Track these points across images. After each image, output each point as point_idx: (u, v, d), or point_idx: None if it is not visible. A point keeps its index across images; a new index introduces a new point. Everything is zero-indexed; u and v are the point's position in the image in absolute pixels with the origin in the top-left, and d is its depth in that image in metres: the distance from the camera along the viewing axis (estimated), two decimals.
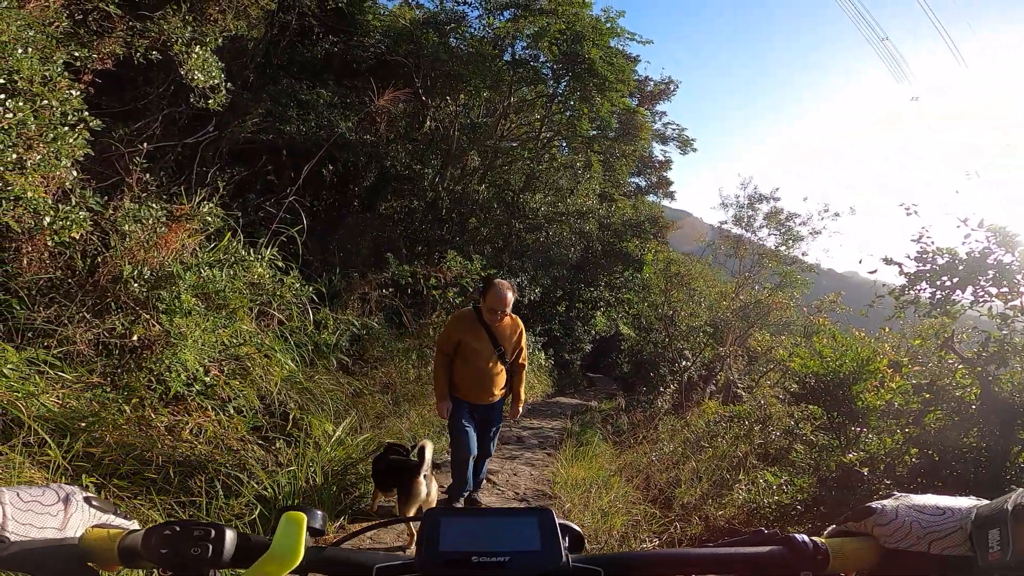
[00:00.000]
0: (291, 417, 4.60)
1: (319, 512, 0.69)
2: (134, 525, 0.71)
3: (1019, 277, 3.74)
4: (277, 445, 4.26)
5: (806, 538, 0.65)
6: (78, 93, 3.66)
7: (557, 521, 0.68)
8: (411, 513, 3.55)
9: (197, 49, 4.65)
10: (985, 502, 0.61)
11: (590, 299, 16.05)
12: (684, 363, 12.56)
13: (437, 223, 10.69)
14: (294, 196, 5.86)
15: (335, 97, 8.36)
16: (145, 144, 4.67)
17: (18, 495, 0.62)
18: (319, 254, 7.97)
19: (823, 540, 0.65)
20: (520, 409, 4.29)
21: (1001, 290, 3.73)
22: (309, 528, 0.66)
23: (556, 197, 13.18)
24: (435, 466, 4.27)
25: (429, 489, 3.63)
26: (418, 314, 8.42)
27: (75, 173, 3.59)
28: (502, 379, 4.03)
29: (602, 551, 4.49)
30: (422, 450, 3.68)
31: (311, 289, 5.68)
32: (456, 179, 11.37)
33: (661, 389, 11.97)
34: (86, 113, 3.68)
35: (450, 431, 4.07)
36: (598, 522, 4.85)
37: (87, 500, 0.68)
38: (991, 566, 0.56)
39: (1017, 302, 3.74)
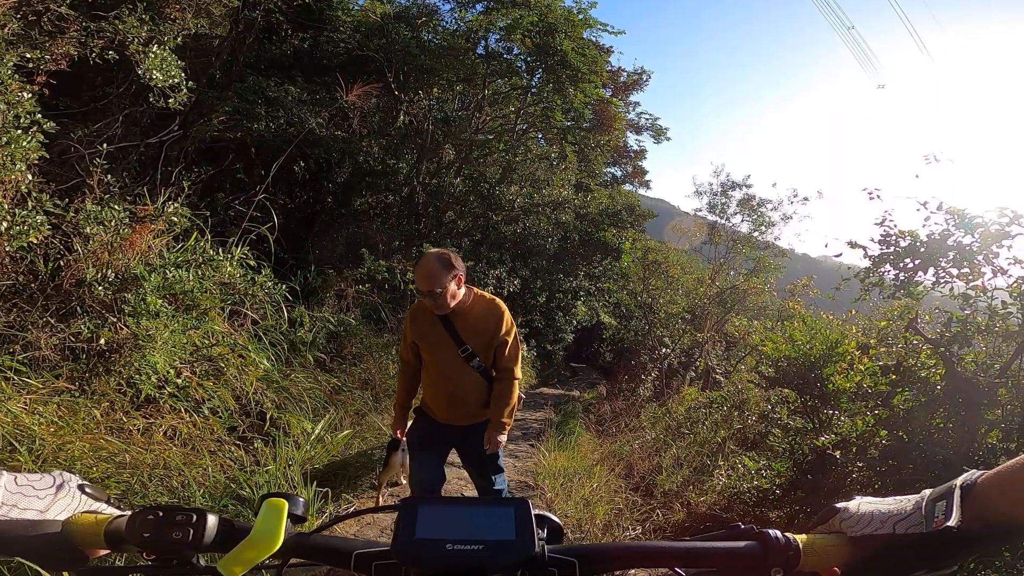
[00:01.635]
0: (268, 416, 4.56)
1: (301, 499, 0.70)
2: (125, 513, 0.72)
3: (979, 258, 3.83)
4: (255, 445, 4.24)
5: (779, 534, 0.66)
6: (30, 95, 3.54)
7: (534, 512, 0.69)
8: (384, 481, 4.20)
9: (155, 48, 4.52)
10: (936, 488, 0.66)
11: (570, 289, 16.12)
12: (664, 350, 12.71)
13: (414, 217, 10.61)
14: (265, 195, 5.75)
15: (305, 93, 8.22)
16: (105, 145, 4.53)
17: (15, 480, 0.65)
18: (294, 252, 7.87)
19: (795, 536, 0.67)
20: (501, 440, 2.82)
21: (962, 271, 3.82)
22: (290, 515, 0.67)
23: (532, 188, 13.17)
24: None
25: (405, 460, 3.85)
26: (397, 309, 8.37)
27: (31, 176, 3.48)
28: (481, 390, 2.85)
29: (584, 540, 4.55)
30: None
31: (284, 287, 5.61)
32: (432, 173, 11.30)
33: (642, 377, 12.09)
34: (39, 115, 3.57)
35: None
36: (581, 511, 4.90)
37: (80, 487, 0.70)
38: (933, 531, 0.60)
39: (978, 282, 3.82)
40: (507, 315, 2.80)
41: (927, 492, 0.66)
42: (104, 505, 0.72)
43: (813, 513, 4.21)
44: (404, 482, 4.60)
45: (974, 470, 0.64)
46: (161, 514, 0.65)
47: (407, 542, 0.64)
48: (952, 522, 0.59)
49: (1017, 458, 0.60)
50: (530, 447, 7.33)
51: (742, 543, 0.67)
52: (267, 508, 0.66)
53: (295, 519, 0.69)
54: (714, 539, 0.69)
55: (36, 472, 0.68)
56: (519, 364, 2.88)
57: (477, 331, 2.74)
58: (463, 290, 2.70)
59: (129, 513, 0.69)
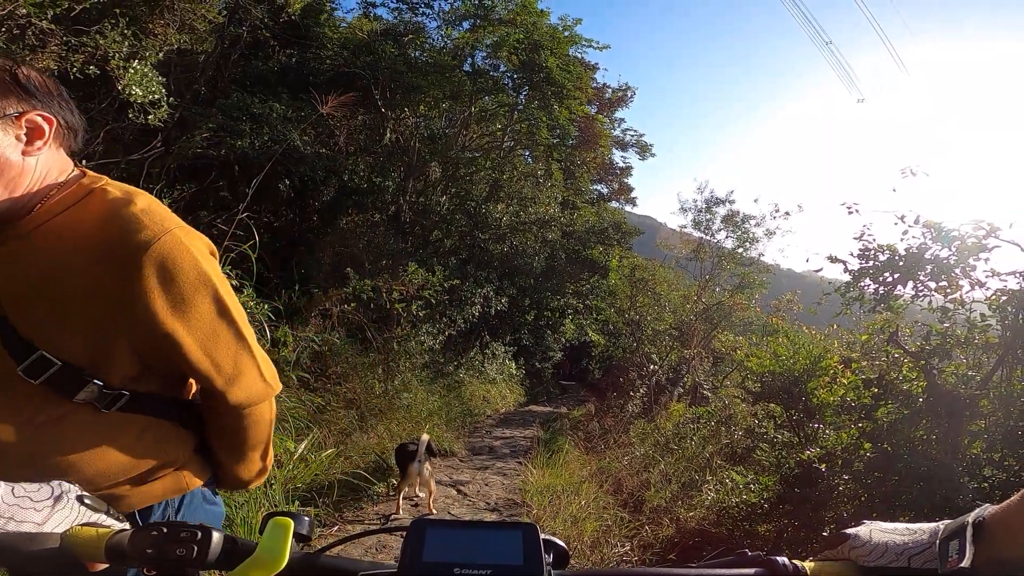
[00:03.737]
0: None
1: (306, 518, 0.70)
2: (125, 526, 0.72)
3: (957, 271, 3.89)
4: None
5: (787, 561, 0.65)
6: None
7: (542, 537, 0.69)
8: (404, 488, 4.70)
9: (135, 64, 4.49)
10: (950, 521, 0.65)
11: (558, 307, 16.14)
12: (652, 367, 12.72)
13: (400, 236, 10.60)
14: (248, 213, 5.70)
15: (290, 110, 8.23)
16: (84, 162, 4.48)
17: (12, 491, 0.65)
18: (279, 271, 7.80)
19: (803, 563, 0.66)
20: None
21: (940, 284, 3.87)
22: (296, 534, 0.67)
23: (519, 206, 13.24)
24: (432, 453, 4.82)
25: (421, 471, 4.57)
26: (383, 329, 8.31)
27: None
28: (78, 442, 0.99)
29: (571, 556, 4.49)
30: (417, 441, 4.65)
31: (267, 307, 5.54)
32: (418, 191, 11.33)
33: (631, 393, 12.07)
34: None
35: None
36: (568, 528, 4.85)
37: (79, 499, 0.69)
38: (948, 573, 0.59)
39: (956, 295, 3.88)
40: (186, 251, 0.97)
41: (941, 526, 0.65)
42: (104, 517, 0.71)
43: (802, 526, 4.21)
44: (422, 494, 4.97)
45: (986, 505, 0.63)
46: (165, 530, 0.64)
47: (414, 565, 0.64)
48: (965, 563, 0.58)
49: (1021, 492, 0.60)
50: (518, 464, 7.26)
51: (750, 570, 0.66)
52: (272, 526, 0.66)
53: (300, 538, 0.68)
54: (721, 565, 0.69)
55: (33, 483, 0.67)
56: (257, 371, 1.09)
57: (55, 289, 0.93)
58: (38, 163, 0.95)
59: (130, 527, 0.68)
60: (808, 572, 0.65)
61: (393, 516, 4.67)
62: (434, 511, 4.89)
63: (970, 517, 0.62)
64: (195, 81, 7.37)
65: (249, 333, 1.05)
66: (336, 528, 4.28)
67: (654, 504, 5.78)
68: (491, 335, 13.88)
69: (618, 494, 6.31)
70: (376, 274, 8.82)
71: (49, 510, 0.66)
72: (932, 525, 0.66)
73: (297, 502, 3.95)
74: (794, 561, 0.66)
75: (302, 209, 9.07)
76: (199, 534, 0.64)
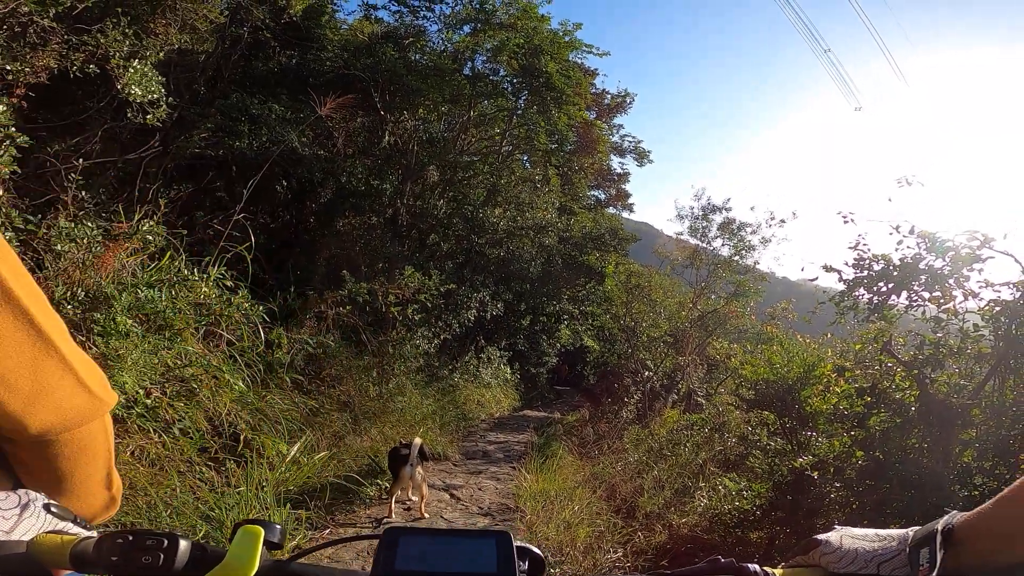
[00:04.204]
0: (242, 438, 4.47)
1: (277, 526, 0.68)
2: (92, 533, 0.70)
3: (950, 281, 3.91)
4: (227, 466, 4.14)
5: (758, 568, 0.66)
6: (5, 108, 3.49)
7: (516, 543, 0.69)
8: (396, 492, 4.72)
9: (135, 63, 4.49)
10: (919, 528, 0.65)
11: (554, 312, 16.13)
12: (647, 373, 12.73)
13: (397, 239, 10.58)
14: (244, 214, 5.70)
15: (289, 112, 8.22)
16: (81, 160, 4.47)
17: None
18: (274, 272, 7.78)
19: (774, 571, 0.67)
20: None
21: (933, 294, 3.90)
22: (266, 542, 0.66)
23: (516, 211, 13.23)
24: (425, 457, 4.84)
25: (413, 474, 4.60)
26: (377, 332, 8.29)
27: (1, 191, 3.41)
28: None
29: (564, 563, 4.48)
30: (410, 444, 4.67)
31: (262, 308, 5.53)
32: (416, 194, 11.32)
33: (625, 399, 12.07)
34: (13, 129, 3.52)
35: None
36: (561, 534, 4.84)
37: (46, 507, 0.68)
38: None
39: (949, 305, 3.90)
40: None
41: (910, 532, 0.65)
42: (70, 525, 0.70)
43: (793, 533, 4.21)
44: (415, 498, 4.97)
45: (954, 511, 0.64)
46: (131, 538, 0.64)
47: (387, 574, 0.64)
48: (935, 573, 0.59)
49: (992, 499, 0.60)
50: (512, 469, 7.25)
51: None
52: (242, 534, 0.65)
53: (271, 546, 0.67)
54: (693, 572, 0.69)
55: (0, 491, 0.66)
56: (74, 381, 0.68)
57: None
58: None
59: (96, 534, 0.67)
60: None
61: (385, 520, 4.66)
62: (426, 515, 4.88)
63: (940, 524, 0.62)
64: (195, 81, 7.37)
65: (57, 330, 0.68)
66: (328, 531, 4.27)
67: (647, 510, 5.78)
68: (487, 339, 13.86)
69: (611, 500, 6.31)
70: (372, 277, 8.80)
71: (16, 518, 0.65)
72: (902, 532, 0.66)
73: (288, 505, 3.93)
74: (765, 568, 0.66)
75: (299, 211, 9.05)
76: (166, 542, 0.64)
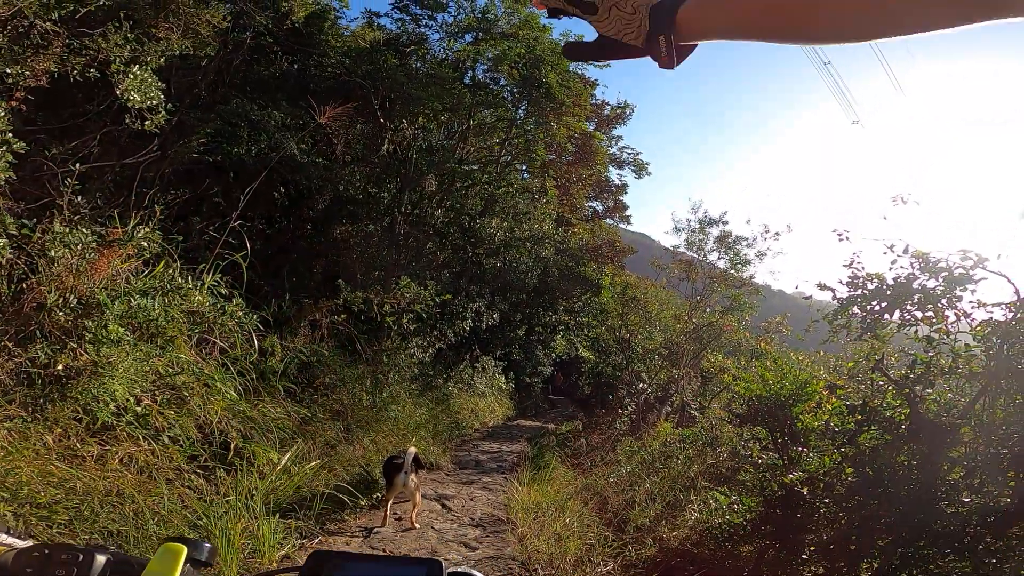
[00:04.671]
0: (232, 446, 4.44)
1: (207, 544, 0.70)
2: (17, 543, 0.71)
3: (943, 302, 3.94)
4: (217, 474, 4.11)
5: None
6: (3, 113, 3.49)
7: (455, 570, 0.69)
8: (390, 500, 4.77)
9: (135, 69, 4.50)
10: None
11: (549, 323, 16.13)
12: (641, 385, 12.73)
13: (393, 248, 10.59)
14: (241, 220, 5.69)
15: (288, 118, 8.24)
16: (78, 164, 4.46)
17: None
18: (269, 279, 7.77)
19: None
20: None
21: (926, 314, 3.92)
22: (192, 560, 0.67)
23: (514, 222, 13.25)
24: (419, 465, 4.98)
25: (407, 482, 4.64)
26: (372, 341, 8.28)
27: None
28: None
29: None
30: (404, 453, 4.75)
31: (256, 317, 5.52)
32: (413, 203, 11.33)
33: (619, 411, 12.07)
34: (10, 135, 3.52)
35: None
36: (552, 546, 4.82)
37: None
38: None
39: (941, 325, 3.93)
40: None
41: None
42: (4, 536, 0.71)
43: (783, 548, 4.21)
44: (411, 514, 4.94)
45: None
46: (47, 551, 0.65)
47: None
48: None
49: None
50: (504, 480, 7.22)
51: None
52: (163, 552, 0.66)
53: (196, 564, 0.68)
54: None
55: None
56: None
57: None
58: None
59: (21, 545, 0.69)
60: None
61: (376, 529, 4.65)
62: (417, 525, 4.86)
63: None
64: (195, 85, 7.38)
65: None
66: (317, 540, 4.24)
67: (638, 523, 5.77)
68: (482, 349, 13.85)
69: (603, 512, 6.29)
70: (368, 285, 8.80)
71: None
72: None
73: (277, 514, 3.91)
74: None
75: (296, 217, 9.04)
76: (80, 556, 0.65)
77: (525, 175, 14.92)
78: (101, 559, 0.66)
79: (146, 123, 4.74)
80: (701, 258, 14.81)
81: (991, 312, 3.78)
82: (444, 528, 5.09)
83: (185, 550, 0.66)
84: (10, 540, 0.71)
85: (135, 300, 4.04)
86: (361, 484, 5.33)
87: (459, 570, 0.73)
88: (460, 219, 12.16)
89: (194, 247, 5.92)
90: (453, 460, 8.13)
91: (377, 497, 5.21)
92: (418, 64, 11.86)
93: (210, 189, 6.94)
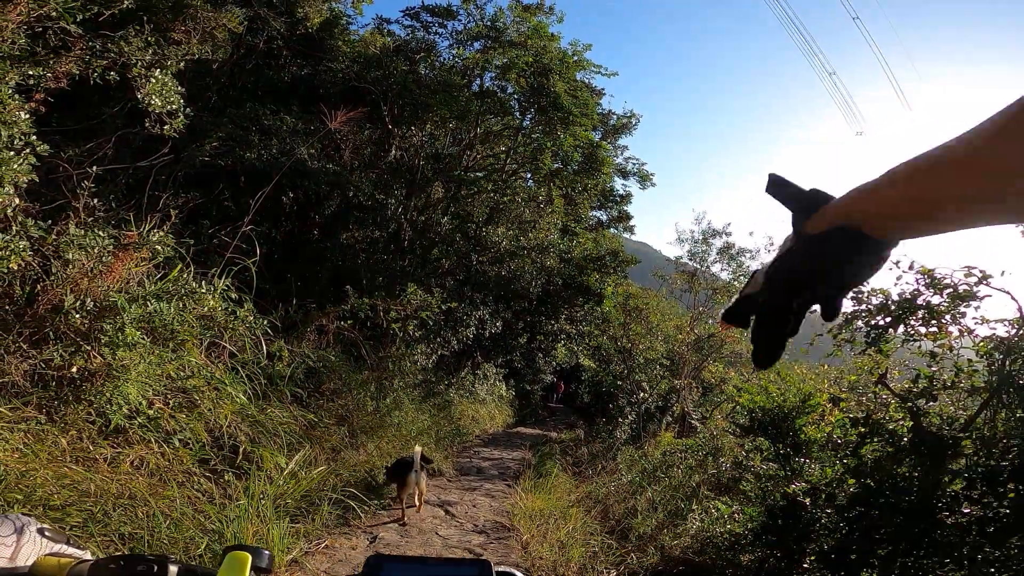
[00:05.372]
0: (241, 450, 4.47)
1: (265, 552, 0.71)
2: (87, 555, 0.74)
3: (947, 318, 4.00)
4: (226, 478, 4.14)
5: None
6: (27, 116, 3.55)
7: (500, 569, 0.72)
8: (405, 497, 5.14)
9: (156, 73, 4.56)
10: None
11: (551, 332, 16.15)
12: (642, 395, 12.74)
13: (399, 254, 10.64)
14: (251, 225, 5.74)
15: (299, 123, 8.31)
16: (95, 167, 4.51)
17: None
18: (276, 283, 7.82)
19: None
20: None
21: (930, 329, 3.98)
22: (255, 567, 0.69)
23: (519, 231, 13.29)
24: (427, 462, 5.36)
25: (418, 480, 5.10)
26: (377, 347, 8.32)
27: (17, 200, 3.45)
28: None
29: None
30: (414, 453, 5.12)
31: (266, 322, 5.56)
32: (419, 210, 11.39)
33: (620, 420, 12.08)
34: (34, 137, 3.57)
35: None
36: (556, 554, 4.86)
37: (40, 531, 0.71)
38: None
39: (945, 340, 3.99)
40: None
41: None
42: (65, 547, 0.73)
43: (784, 557, 4.25)
44: (416, 503, 5.40)
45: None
46: (123, 563, 0.66)
47: None
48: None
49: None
50: (506, 486, 7.25)
51: None
52: (230, 560, 0.68)
53: (258, 571, 0.70)
54: None
55: None
56: None
57: None
58: None
59: (93, 558, 0.70)
60: None
61: (402, 523, 5.03)
62: (421, 513, 5.30)
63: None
64: (207, 89, 7.45)
65: None
66: (324, 544, 4.27)
67: (640, 531, 5.79)
68: (483, 356, 13.87)
69: (605, 520, 6.32)
70: (373, 291, 8.84)
71: (16, 544, 0.68)
72: None
73: (288, 518, 3.95)
74: None
75: (303, 222, 9.10)
76: (155, 567, 0.66)
77: (530, 183, 14.96)
78: (174, 569, 0.68)
79: (165, 128, 4.79)
80: (704, 269, 14.87)
81: (994, 328, 3.84)
82: (448, 534, 5.12)
83: (250, 558, 0.68)
84: (72, 551, 0.73)
85: (151, 304, 4.08)
86: (367, 489, 5.38)
87: (503, 569, 0.76)
88: (466, 227, 12.20)
89: (203, 251, 5.97)
90: (455, 466, 8.15)
91: (379, 503, 5.36)
92: (427, 71, 11.94)
93: (221, 193, 7.00)
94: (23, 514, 0.72)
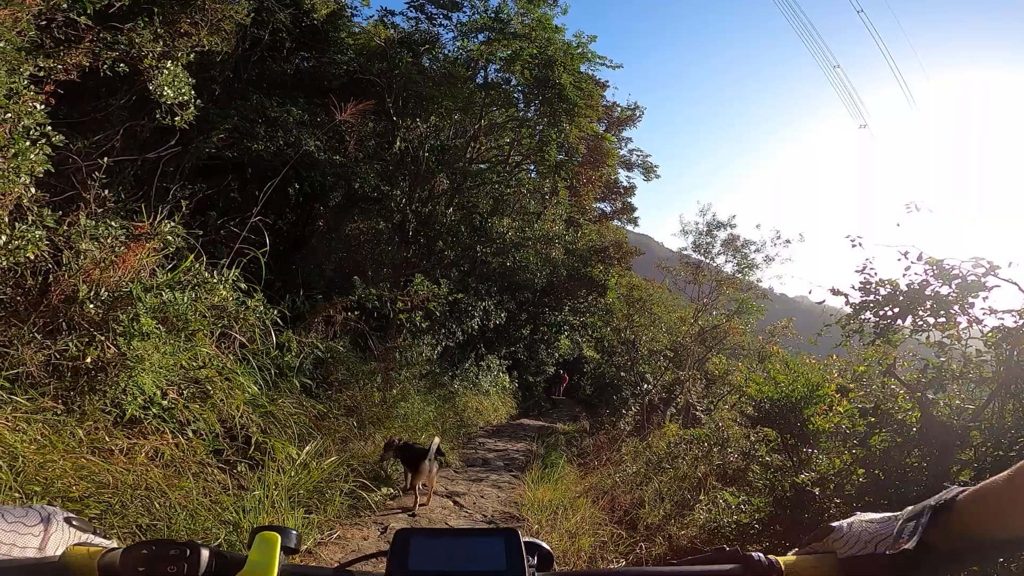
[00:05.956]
0: (253, 441, 4.51)
1: (293, 532, 0.72)
2: (113, 543, 0.74)
3: (955, 308, 4.00)
4: (239, 469, 4.18)
5: (762, 556, 0.69)
6: (41, 107, 3.56)
7: (524, 540, 0.72)
8: (417, 484, 5.12)
9: (168, 64, 4.56)
10: (917, 505, 0.66)
11: (555, 323, 16.18)
12: (646, 386, 12.79)
13: (404, 245, 10.65)
14: (259, 216, 5.75)
15: (305, 115, 8.30)
16: (105, 158, 4.52)
17: (3, 516, 0.66)
18: (282, 274, 7.84)
19: (779, 559, 0.69)
20: None
21: (939, 320, 3.98)
22: (283, 547, 0.69)
23: (523, 222, 13.28)
24: (439, 453, 5.39)
25: (431, 469, 5.13)
26: (384, 337, 8.35)
27: (33, 190, 3.47)
28: None
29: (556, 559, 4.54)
30: (431, 443, 5.19)
31: (275, 312, 5.58)
32: (424, 201, 11.38)
33: (624, 411, 12.13)
34: (49, 128, 3.58)
35: None
36: (566, 543, 4.90)
37: (67, 520, 0.71)
38: (897, 551, 0.61)
39: (953, 331, 3.99)
40: None
41: (908, 509, 0.66)
42: (92, 536, 0.73)
43: (792, 546, 4.29)
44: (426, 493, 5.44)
45: (954, 486, 0.63)
46: (155, 548, 0.67)
47: (401, 574, 0.67)
48: (910, 544, 0.60)
49: (995, 476, 0.58)
50: (513, 478, 7.30)
51: (726, 566, 0.69)
52: (260, 541, 0.69)
53: (287, 551, 0.71)
54: (699, 562, 0.71)
55: (17, 507, 0.69)
56: None
57: None
58: None
59: (120, 545, 0.71)
60: (783, 567, 0.68)
61: (411, 512, 5.07)
62: (425, 501, 5.34)
63: (932, 500, 0.63)
64: (213, 81, 7.44)
65: None
66: (336, 534, 4.31)
67: (648, 522, 5.82)
68: (487, 347, 13.91)
69: (612, 511, 6.35)
70: (378, 282, 8.87)
71: (44, 534, 0.67)
72: (908, 509, 0.66)
73: (302, 508, 3.98)
74: (770, 556, 0.69)
75: (308, 213, 9.10)
76: (188, 551, 0.67)
77: (534, 175, 14.94)
78: (206, 552, 0.68)
79: (176, 119, 4.79)
80: (708, 261, 14.86)
81: (1002, 319, 3.83)
82: (458, 524, 5.17)
83: (280, 538, 0.68)
84: (99, 541, 0.73)
85: (165, 293, 4.10)
86: (377, 479, 5.43)
87: (533, 540, 0.77)
88: (470, 218, 12.20)
89: (212, 242, 5.98)
90: (461, 457, 8.20)
91: (392, 493, 5.40)
92: (431, 63, 11.90)
93: (227, 184, 7.00)
94: (48, 504, 0.73)
